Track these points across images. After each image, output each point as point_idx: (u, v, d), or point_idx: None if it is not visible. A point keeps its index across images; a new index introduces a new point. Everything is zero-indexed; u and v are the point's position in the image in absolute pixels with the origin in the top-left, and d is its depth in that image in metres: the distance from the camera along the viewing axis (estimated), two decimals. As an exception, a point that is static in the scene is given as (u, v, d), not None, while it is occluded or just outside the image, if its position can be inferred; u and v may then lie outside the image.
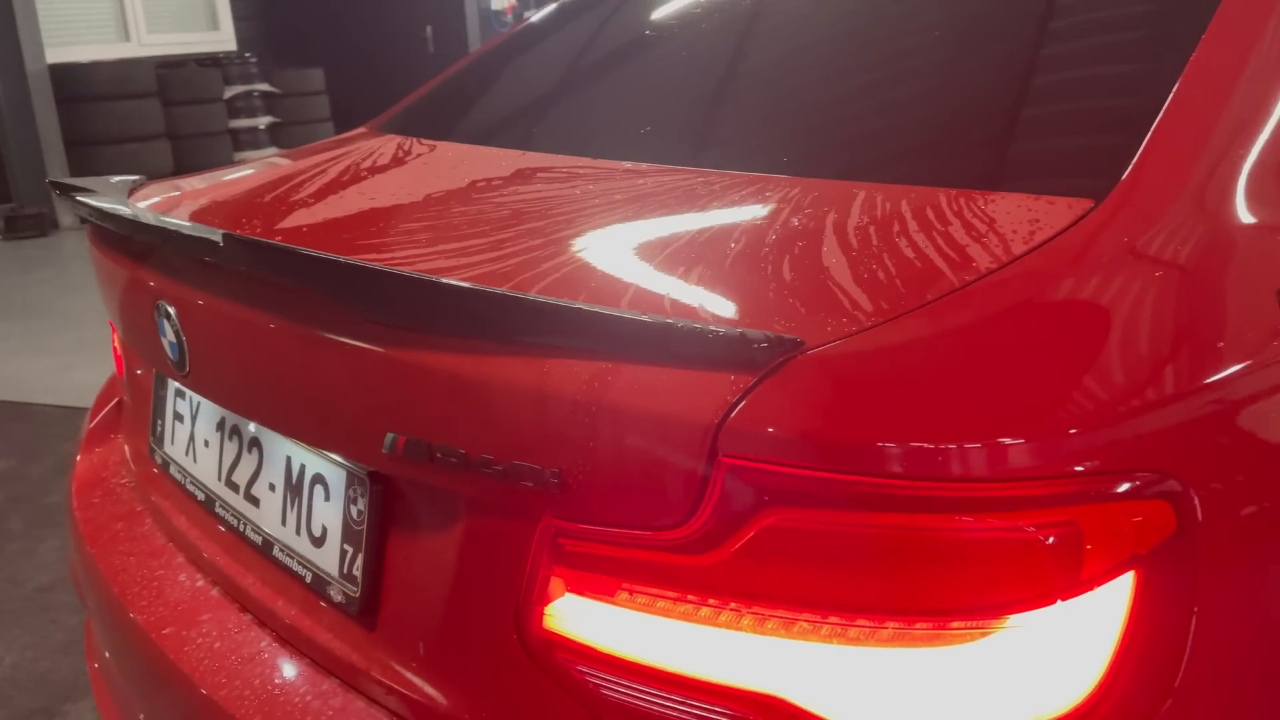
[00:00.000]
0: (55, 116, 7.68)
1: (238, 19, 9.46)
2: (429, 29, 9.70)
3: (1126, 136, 0.99)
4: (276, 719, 1.05)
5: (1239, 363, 0.85)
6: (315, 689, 1.07)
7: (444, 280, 0.89)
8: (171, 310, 1.17)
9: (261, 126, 8.92)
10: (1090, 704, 0.76)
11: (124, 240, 1.30)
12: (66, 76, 7.69)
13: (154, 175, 1.67)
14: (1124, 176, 0.95)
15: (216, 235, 1.00)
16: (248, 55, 8.95)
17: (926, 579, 0.75)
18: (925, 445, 0.73)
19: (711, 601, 0.80)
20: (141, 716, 1.35)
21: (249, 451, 1.22)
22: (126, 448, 1.60)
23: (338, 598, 1.07)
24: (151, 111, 7.98)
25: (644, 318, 0.81)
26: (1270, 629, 0.83)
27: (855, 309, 0.83)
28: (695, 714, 0.82)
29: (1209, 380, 0.83)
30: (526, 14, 10.09)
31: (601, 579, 0.85)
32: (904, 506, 0.74)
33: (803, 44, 1.46)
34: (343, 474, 1.07)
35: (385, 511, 1.02)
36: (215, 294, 1.11)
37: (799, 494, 0.75)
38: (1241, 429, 0.85)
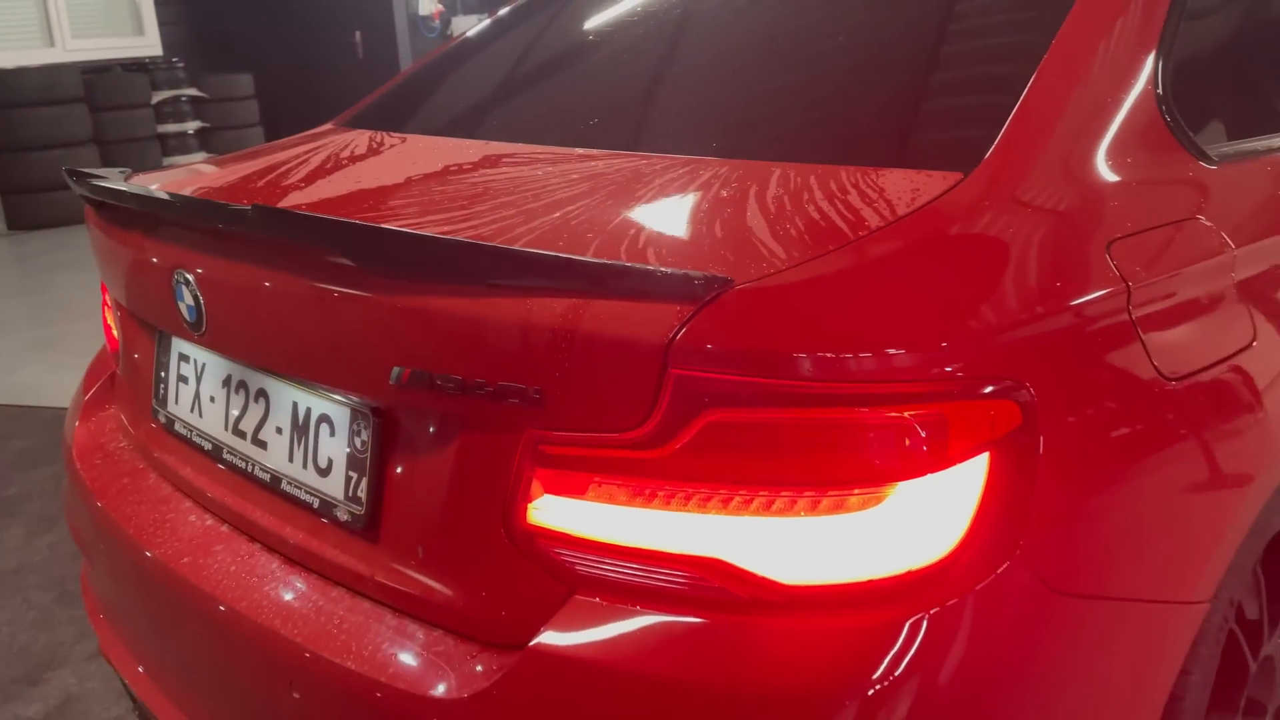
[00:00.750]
0: (-20, 122, 7.63)
1: (163, 24, 9.44)
2: (358, 34, 9.79)
3: (989, 125, 1.23)
4: (294, 622, 1.24)
5: (1073, 299, 1.09)
6: (326, 595, 1.26)
7: (447, 237, 1.09)
8: (190, 277, 1.35)
9: (190, 131, 8.93)
10: (953, 556, 1.00)
11: (137, 219, 1.47)
12: (-9, 82, 7.65)
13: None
14: (987, 155, 1.19)
15: (247, 207, 1.18)
16: (175, 60, 8.94)
17: (832, 458, 0.97)
18: (829, 355, 0.95)
19: (665, 487, 1.02)
20: (157, 650, 1.52)
21: (255, 401, 1.40)
22: (123, 415, 1.75)
23: (344, 517, 1.26)
24: (78, 117, 7.96)
25: (608, 262, 1.02)
26: (1091, 501, 1.07)
27: (773, 255, 1.05)
28: (652, 579, 1.03)
29: (1050, 311, 1.07)
30: (453, 18, 10.21)
31: (576, 475, 1.06)
32: (813, 403, 0.96)
33: (730, 46, 1.69)
34: (347, 411, 1.26)
35: (386, 440, 1.22)
36: (233, 260, 1.29)
37: (733, 396, 0.97)
38: (1073, 350, 1.09)
